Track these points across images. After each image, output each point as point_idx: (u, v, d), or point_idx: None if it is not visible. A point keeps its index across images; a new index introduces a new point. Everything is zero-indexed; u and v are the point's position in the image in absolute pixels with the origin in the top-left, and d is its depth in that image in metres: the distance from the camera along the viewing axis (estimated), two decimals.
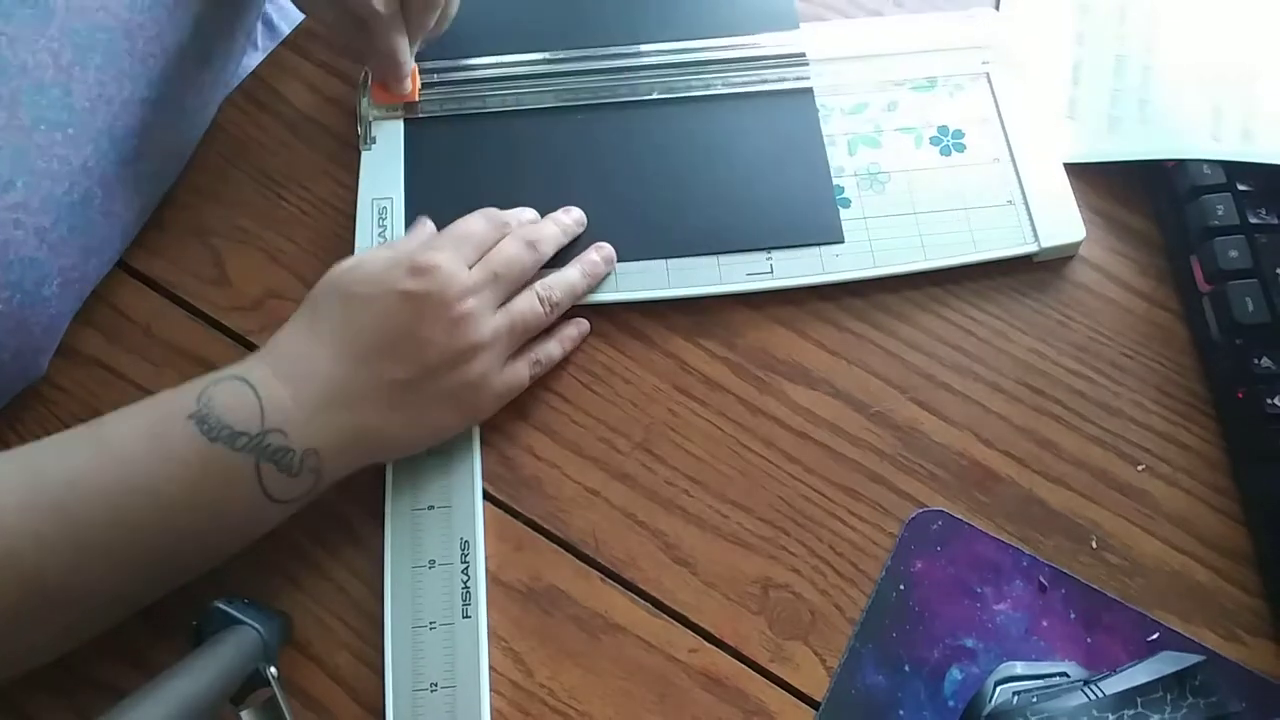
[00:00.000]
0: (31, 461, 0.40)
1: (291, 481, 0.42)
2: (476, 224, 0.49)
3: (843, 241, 0.52)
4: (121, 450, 0.40)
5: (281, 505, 0.42)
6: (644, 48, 0.57)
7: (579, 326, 0.51)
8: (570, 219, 0.53)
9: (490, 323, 0.46)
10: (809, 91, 0.57)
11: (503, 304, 0.48)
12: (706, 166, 0.54)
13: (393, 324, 0.44)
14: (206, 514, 0.41)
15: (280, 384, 0.42)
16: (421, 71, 0.56)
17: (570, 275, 0.51)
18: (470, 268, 0.47)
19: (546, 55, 0.57)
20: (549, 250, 0.51)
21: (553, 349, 0.50)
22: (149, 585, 0.43)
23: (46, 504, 0.39)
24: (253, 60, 0.61)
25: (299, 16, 0.60)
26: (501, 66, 0.57)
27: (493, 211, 0.51)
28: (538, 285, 0.49)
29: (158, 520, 0.40)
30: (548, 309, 0.49)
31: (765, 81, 0.57)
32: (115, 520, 0.39)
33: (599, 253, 0.52)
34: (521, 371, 0.49)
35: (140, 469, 0.40)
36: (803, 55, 0.57)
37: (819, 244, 0.52)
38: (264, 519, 0.43)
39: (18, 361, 0.48)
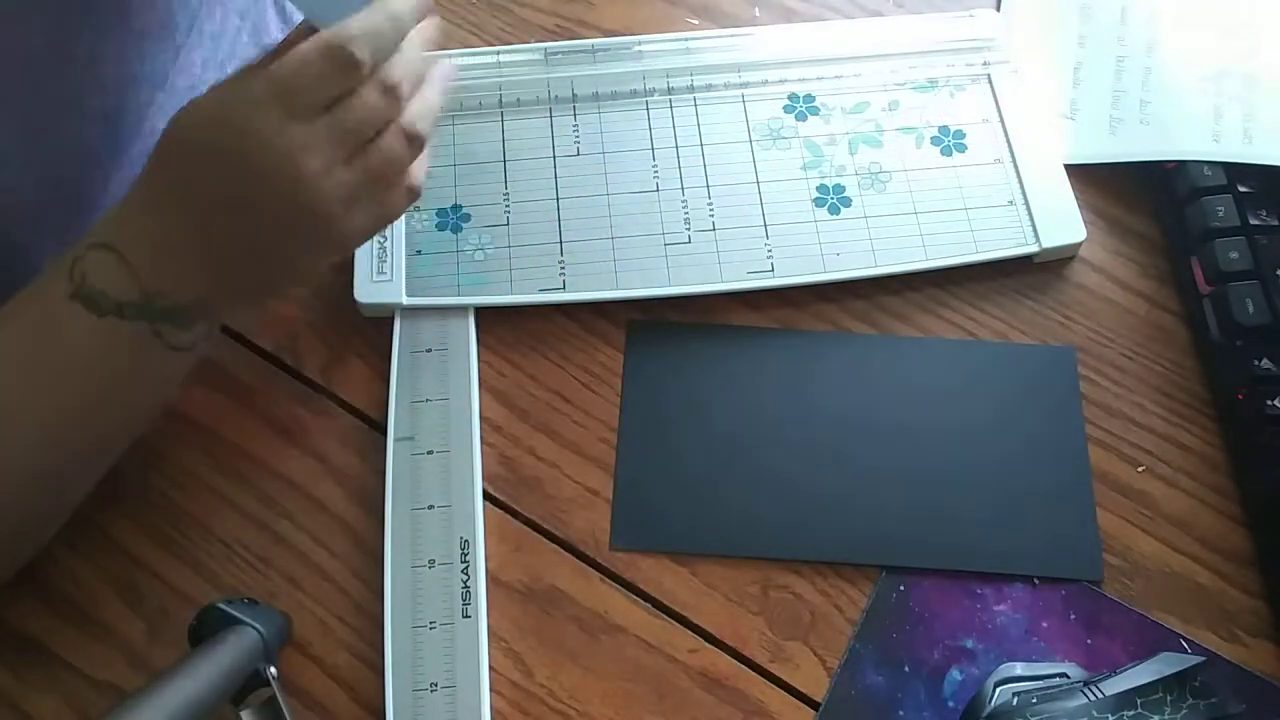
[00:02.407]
0: None
1: (189, 332, 0.42)
2: (314, 70, 0.40)
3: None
4: (12, 351, 0.40)
5: (187, 352, 0.43)
6: (643, 43, 0.58)
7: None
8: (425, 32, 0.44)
9: (333, 176, 0.41)
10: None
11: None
12: None
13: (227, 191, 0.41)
14: (118, 380, 0.41)
15: (142, 245, 0.41)
16: None
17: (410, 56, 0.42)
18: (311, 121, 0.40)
19: (545, 47, 0.58)
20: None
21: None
22: (74, 461, 0.43)
23: None
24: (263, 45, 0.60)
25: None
26: (499, 64, 0.57)
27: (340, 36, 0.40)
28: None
29: (68, 398, 0.40)
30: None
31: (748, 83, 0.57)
32: (22, 404, 0.40)
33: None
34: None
35: (39, 362, 0.40)
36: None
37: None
38: (177, 369, 0.44)
39: None
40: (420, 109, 0.43)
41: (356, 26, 0.39)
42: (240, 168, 0.40)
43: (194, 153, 0.40)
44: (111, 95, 0.49)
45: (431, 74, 0.44)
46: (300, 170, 0.39)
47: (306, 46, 0.39)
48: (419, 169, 0.44)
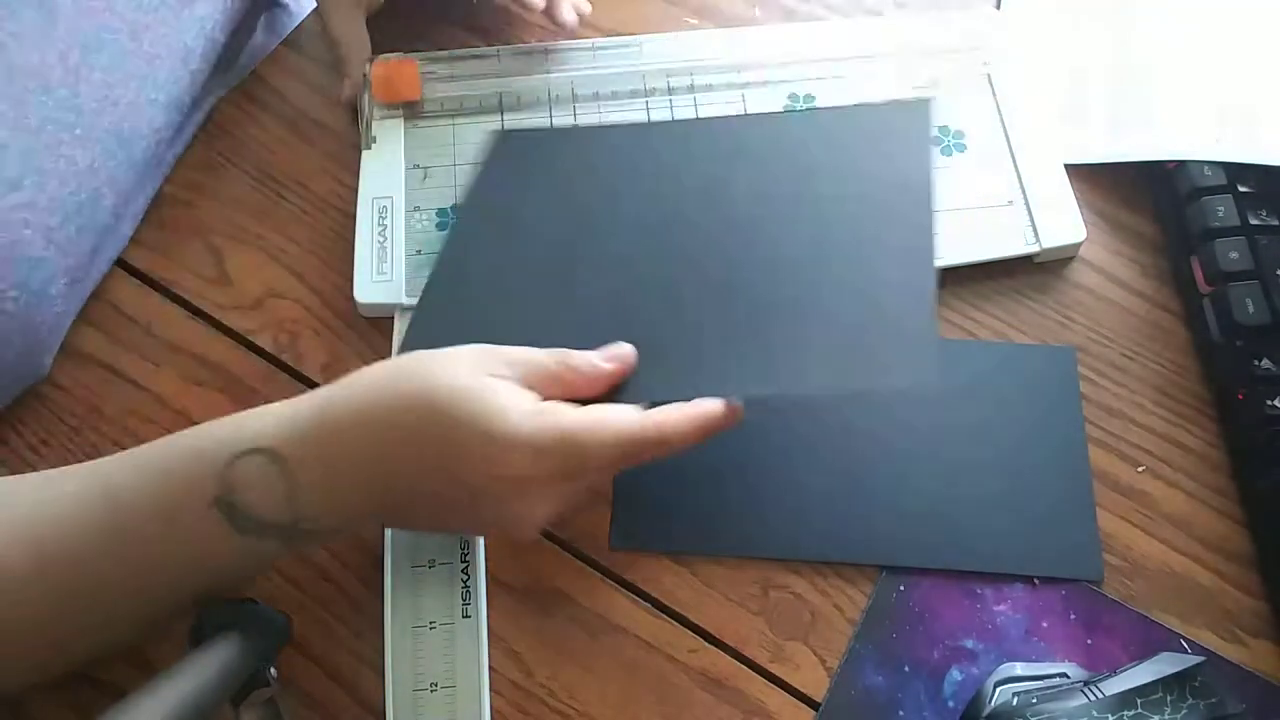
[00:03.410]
0: (33, 516, 0.38)
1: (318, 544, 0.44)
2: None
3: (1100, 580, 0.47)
4: (136, 529, 0.38)
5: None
6: (644, 43, 0.58)
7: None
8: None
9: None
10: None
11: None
12: None
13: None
14: (221, 580, 0.41)
15: (313, 467, 0.37)
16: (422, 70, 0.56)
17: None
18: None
19: (545, 47, 0.58)
20: None
21: None
22: (142, 629, 0.42)
23: (54, 574, 0.37)
24: (266, 47, 0.61)
25: (311, 4, 0.61)
26: (499, 64, 0.57)
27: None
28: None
29: (165, 588, 0.39)
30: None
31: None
32: (116, 587, 0.38)
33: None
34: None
35: (157, 551, 0.38)
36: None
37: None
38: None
39: (23, 361, 0.48)
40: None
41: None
42: (464, 486, 0.38)
43: (420, 449, 0.37)
44: (126, 118, 0.50)
45: None
46: (526, 521, 0.39)
47: (612, 451, 0.38)
48: None
